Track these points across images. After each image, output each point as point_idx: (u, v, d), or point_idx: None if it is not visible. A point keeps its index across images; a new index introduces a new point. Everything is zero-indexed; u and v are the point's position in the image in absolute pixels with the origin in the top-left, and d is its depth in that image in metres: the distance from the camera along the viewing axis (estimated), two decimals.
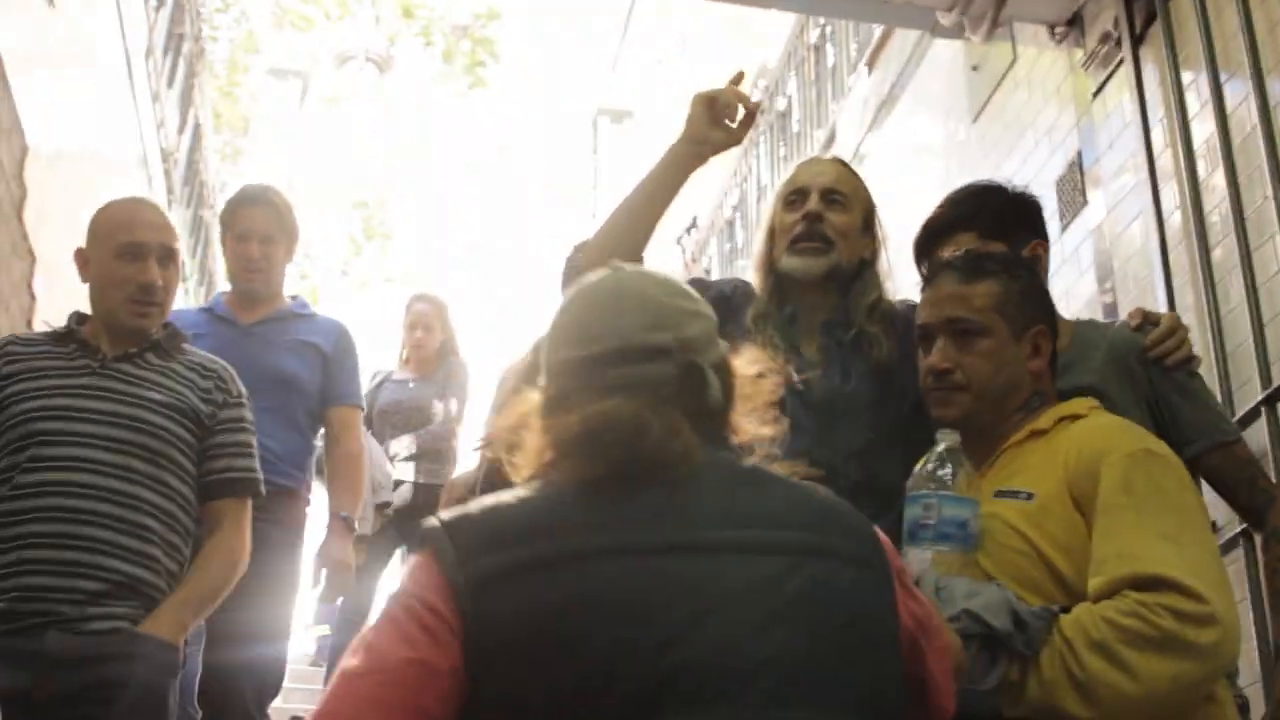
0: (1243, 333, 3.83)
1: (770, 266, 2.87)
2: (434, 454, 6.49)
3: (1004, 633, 1.97)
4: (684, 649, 1.47)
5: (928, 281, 2.46)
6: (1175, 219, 4.32)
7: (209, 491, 3.11)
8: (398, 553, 6.59)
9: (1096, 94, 4.90)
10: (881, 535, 1.70)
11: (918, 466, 2.21)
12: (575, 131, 19.26)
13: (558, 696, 1.45)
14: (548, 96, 19.44)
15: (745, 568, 1.55)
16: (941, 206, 2.88)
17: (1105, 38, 4.79)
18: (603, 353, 1.66)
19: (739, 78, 2.67)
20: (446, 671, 1.48)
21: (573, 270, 2.62)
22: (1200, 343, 3.97)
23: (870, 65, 7.56)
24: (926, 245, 2.85)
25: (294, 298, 4.51)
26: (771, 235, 2.91)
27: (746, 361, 1.80)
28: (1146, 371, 2.68)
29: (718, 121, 2.62)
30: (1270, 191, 3.74)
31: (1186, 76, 4.32)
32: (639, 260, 2.55)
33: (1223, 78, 4.08)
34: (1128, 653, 1.93)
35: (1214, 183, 4.11)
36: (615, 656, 1.46)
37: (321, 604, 5.38)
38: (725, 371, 1.74)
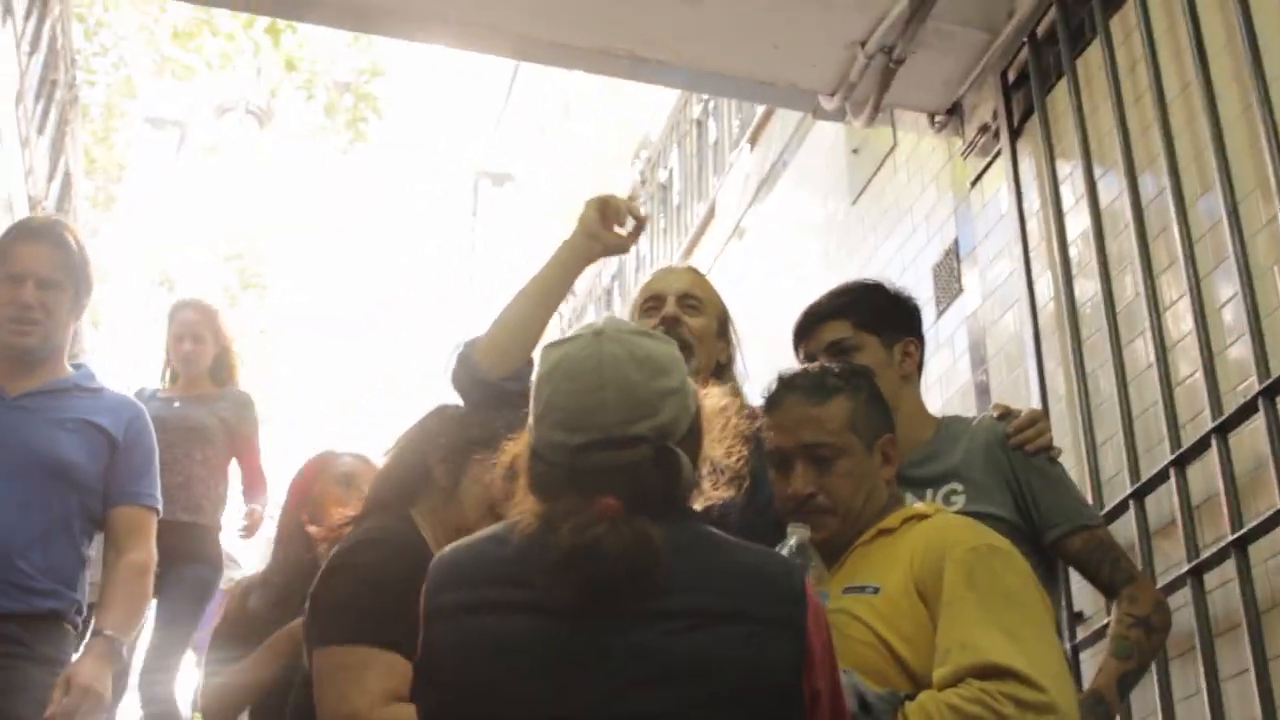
0: (1112, 425, 3.88)
1: None
2: (199, 490, 5.40)
3: (849, 715, 1.99)
4: (558, 702, 1.70)
5: (771, 401, 2.48)
6: (1049, 309, 4.38)
7: None
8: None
9: (974, 182, 4.97)
10: (813, 603, 1.83)
11: None
12: (455, 192, 19.22)
13: None
14: (429, 156, 19.39)
15: (640, 633, 1.73)
16: (822, 296, 2.97)
17: (984, 128, 4.87)
18: (586, 443, 1.84)
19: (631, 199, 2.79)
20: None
21: (464, 365, 2.63)
22: (1070, 434, 4.02)
23: (752, 142, 7.63)
24: (804, 331, 2.94)
25: (78, 366, 3.60)
26: None
27: (714, 398, 2.02)
28: (1009, 458, 2.78)
29: (608, 226, 2.73)
30: (1141, 287, 3.80)
31: (1062, 170, 4.39)
32: (528, 356, 2.61)
33: (1097, 173, 4.15)
34: None
35: (1087, 275, 4.17)
36: (499, 700, 1.72)
37: None
38: (695, 433, 1.94)
